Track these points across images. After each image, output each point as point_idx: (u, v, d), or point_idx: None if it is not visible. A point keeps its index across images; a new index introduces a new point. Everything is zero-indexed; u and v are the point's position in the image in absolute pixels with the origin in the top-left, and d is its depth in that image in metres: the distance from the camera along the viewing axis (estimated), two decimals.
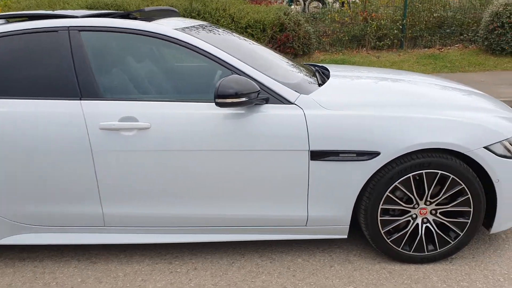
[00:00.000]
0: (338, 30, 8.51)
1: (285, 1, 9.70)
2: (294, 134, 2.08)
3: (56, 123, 2.09)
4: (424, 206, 2.20)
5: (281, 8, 7.60)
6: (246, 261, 2.38)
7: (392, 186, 2.13)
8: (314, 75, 2.71)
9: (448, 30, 8.43)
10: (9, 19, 2.36)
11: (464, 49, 8.01)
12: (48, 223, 2.28)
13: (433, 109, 2.17)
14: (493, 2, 7.54)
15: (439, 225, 2.23)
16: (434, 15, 8.46)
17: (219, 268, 2.33)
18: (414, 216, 2.22)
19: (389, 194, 2.15)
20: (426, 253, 2.26)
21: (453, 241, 2.24)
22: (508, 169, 2.12)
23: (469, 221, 2.20)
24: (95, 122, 2.09)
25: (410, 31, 8.38)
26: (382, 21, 8.25)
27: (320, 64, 3.13)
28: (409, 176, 2.11)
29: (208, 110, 2.11)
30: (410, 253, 2.26)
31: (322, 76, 2.72)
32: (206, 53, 2.13)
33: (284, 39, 7.27)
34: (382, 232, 2.22)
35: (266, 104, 2.12)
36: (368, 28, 8.22)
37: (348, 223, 2.24)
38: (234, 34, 2.85)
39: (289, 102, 2.13)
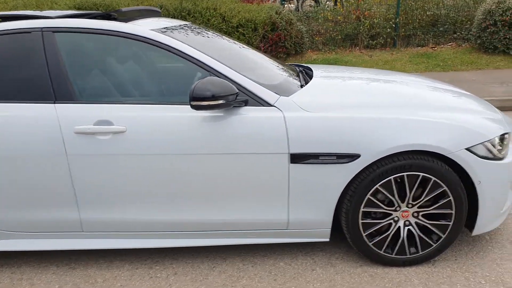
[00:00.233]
0: (331, 29, 8.48)
1: (277, 0, 9.66)
2: (273, 137, 2.05)
3: (29, 128, 2.05)
4: (406, 208, 2.17)
5: (273, 7, 7.56)
6: (227, 265, 2.35)
7: (373, 188, 2.10)
8: (298, 76, 2.68)
9: (441, 29, 8.41)
10: None
11: (457, 48, 7.99)
12: (25, 229, 2.24)
13: (416, 111, 2.14)
14: (486, 0, 7.52)
15: (421, 227, 2.21)
16: (428, 13, 8.43)
17: (199, 273, 2.29)
18: (396, 218, 2.19)
19: (370, 197, 2.12)
20: (408, 256, 2.23)
21: (435, 243, 2.21)
22: (489, 170, 2.10)
23: (451, 223, 2.17)
24: (69, 126, 2.05)
25: (403, 29, 8.35)
26: (375, 19, 8.22)
27: (305, 65, 3.10)
28: (390, 179, 2.08)
29: (185, 112, 2.07)
30: (392, 256, 2.23)
31: (306, 77, 2.68)
32: (183, 54, 2.10)
33: (276, 39, 7.23)
34: (363, 235, 2.19)
35: (245, 107, 2.09)
36: (361, 27, 8.19)
37: (330, 226, 2.21)
38: (217, 34, 2.82)
39: (269, 104, 2.09)
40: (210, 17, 6.95)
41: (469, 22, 8.15)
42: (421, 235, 2.20)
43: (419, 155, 2.07)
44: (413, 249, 2.23)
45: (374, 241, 2.21)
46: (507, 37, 6.97)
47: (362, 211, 2.14)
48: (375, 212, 2.19)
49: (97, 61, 2.14)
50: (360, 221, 2.16)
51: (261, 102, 2.09)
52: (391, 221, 2.19)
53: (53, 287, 2.23)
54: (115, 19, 2.33)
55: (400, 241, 2.21)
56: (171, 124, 2.05)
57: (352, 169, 2.06)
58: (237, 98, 2.04)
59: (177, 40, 2.13)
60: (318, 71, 2.81)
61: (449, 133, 2.06)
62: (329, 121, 2.05)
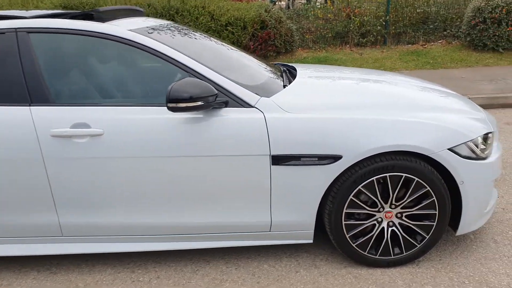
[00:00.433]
0: (321, 27, 8.46)
1: None
2: (254, 139, 2.02)
3: (4, 131, 2.00)
4: (390, 209, 2.16)
5: (262, 5, 7.51)
6: (211, 268, 2.32)
7: (356, 190, 2.08)
8: (281, 76, 2.65)
9: (431, 26, 8.43)
10: None
11: (447, 45, 8.00)
12: (4, 234, 2.20)
13: (400, 111, 2.12)
14: None
15: (405, 228, 2.19)
16: (418, 10, 8.45)
17: (182, 277, 2.26)
18: (379, 219, 2.18)
19: (353, 198, 2.10)
20: (393, 257, 2.22)
21: (419, 244, 2.20)
22: (472, 170, 2.09)
23: (435, 223, 2.16)
24: (45, 129, 2.00)
25: (393, 27, 8.35)
26: (365, 17, 8.21)
27: (290, 64, 3.07)
28: (373, 180, 2.07)
29: (164, 114, 2.03)
30: (376, 257, 2.21)
31: (289, 77, 2.65)
32: (161, 55, 2.06)
33: (266, 37, 7.19)
34: (347, 236, 2.17)
35: (225, 108, 2.06)
36: (351, 25, 8.18)
37: (313, 228, 2.19)
38: (201, 34, 2.78)
39: (249, 105, 2.06)
40: (199, 15, 6.90)
41: (459, 20, 8.17)
42: (405, 235, 2.19)
43: (401, 156, 2.05)
44: (397, 250, 2.22)
45: (358, 242, 2.19)
46: (496, 34, 6.99)
47: (345, 212, 2.13)
48: (358, 213, 2.17)
49: (73, 63, 2.10)
50: (343, 222, 2.14)
51: (242, 103, 2.06)
52: (375, 222, 2.18)
53: None
54: (96, 19, 2.28)
55: (384, 242, 2.19)
56: (149, 126, 2.02)
57: (334, 170, 2.04)
58: (217, 99, 2.01)
59: (155, 40, 2.09)
60: (302, 71, 2.78)
61: (431, 133, 2.04)
62: (310, 122, 2.02)
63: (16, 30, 2.04)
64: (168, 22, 2.77)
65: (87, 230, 2.18)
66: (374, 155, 2.04)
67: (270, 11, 7.41)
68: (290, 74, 2.76)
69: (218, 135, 2.02)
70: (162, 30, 2.38)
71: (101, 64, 2.12)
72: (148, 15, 7.06)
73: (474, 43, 7.29)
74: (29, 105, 2.03)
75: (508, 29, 6.91)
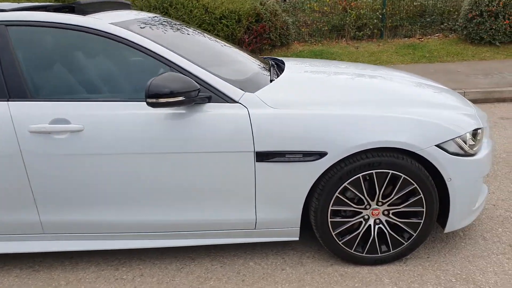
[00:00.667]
0: (318, 20, 8.37)
1: None
2: (238, 135, 1.97)
3: None
4: (376, 207, 2.12)
5: None
6: (195, 266, 2.29)
7: (342, 186, 2.04)
8: (269, 71, 2.59)
9: (428, 19, 8.35)
10: None
11: (444, 39, 7.94)
12: None
13: (388, 107, 2.07)
14: None
15: (392, 225, 2.16)
16: (415, 3, 8.36)
17: (166, 274, 2.23)
18: (366, 217, 2.14)
19: (339, 195, 2.06)
20: (380, 255, 2.19)
21: (406, 241, 2.17)
22: (460, 167, 2.05)
23: (422, 221, 2.13)
24: (24, 125, 1.96)
25: (390, 20, 8.27)
26: (361, 10, 8.12)
27: (280, 58, 3.01)
28: (359, 177, 2.03)
29: (146, 110, 1.98)
30: (363, 254, 2.18)
31: (278, 72, 2.60)
32: (142, 48, 2.00)
33: (261, 30, 7.12)
34: (333, 234, 2.14)
35: (209, 103, 2.01)
36: (348, 18, 8.10)
37: (299, 225, 2.16)
38: (188, 27, 2.72)
39: (233, 101, 2.01)
40: (193, 8, 6.81)
41: (456, 13, 8.10)
42: (392, 233, 2.16)
43: (388, 152, 2.01)
44: (384, 248, 2.19)
45: (344, 239, 2.16)
46: (493, 27, 6.93)
47: (331, 209, 2.09)
48: (344, 211, 2.13)
49: (53, 57, 2.04)
50: (329, 220, 2.11)
51: (225, 99, 2.01)
52: (361, 219, 2.14)
53: None
54: (77, 11, 2.22)
55: (370, 239, 2.16)
56: (131, 122, 1.97)
57: (319, 167, 2.00)
58: (199, 95, 1.96)
59: (136, 33, 2.03)
60: (290, 65, 2.73)
61: (419, 129, 2.00)
62: (295, 118, 1.98)
63: None
64: (154, 15, 2.70)
65: (69, 227, 2.15)
66: (360, 151, 2.00)
67: (265, 4, 7.33)
68: (278, 69, 2.71)
69: (201, 131, 1.97)
70: (146, 24, 2.32)
71: (81, 58, 2.06)
72: (141, 9, 6.97)
73: (470, 37, 7.22)
74: (7, 100, 1.98)
75: (505, 22, 6.85)
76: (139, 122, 1.97)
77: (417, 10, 8.47)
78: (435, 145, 2.00)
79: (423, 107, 2.13)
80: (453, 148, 2.05)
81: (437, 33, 8.26)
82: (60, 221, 2.12)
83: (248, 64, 2.55)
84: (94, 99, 2.01)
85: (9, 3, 2.33)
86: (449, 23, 8.13)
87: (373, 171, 2.02)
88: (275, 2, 8.14)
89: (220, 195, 2.07)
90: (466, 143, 2.08)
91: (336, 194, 2.06)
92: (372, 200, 2.10)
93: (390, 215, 2.14)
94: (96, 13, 2.27)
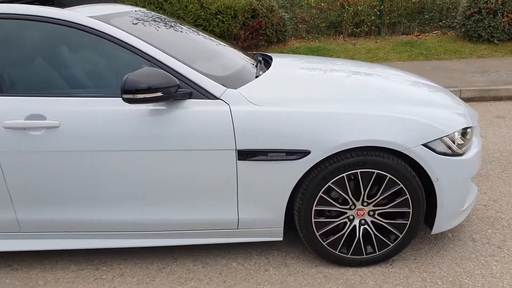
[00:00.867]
0: (316, 16, 8.29)
1: None
2: (219, 133, 1.91)
3: None
4: (361, 207, 2.07)
5: None
6: (177, 266, 2.24)
7: (326, 186, 1.99)
8: (256, 67, 2.53)
9: (427, 16, 8.26)
10: None
11: (442, 36, 7.85)
12: None
13: (375, 105, 2.02)
14: None
15: (378, 226, 2.11)
16: (413, 0, 8.27)
17: (147, 274, 2.18)
18: (351, 217, 2.09)
19: (323, 195, 2.01)
20: (365, 256, 2.13)
21: (392, 243, 2.12)
22: (448, 167, 1.99)
23: (409, 222, 2.07)
24: None
25: (388, 17, 8.19)
26: (359, 6, 8.04)
27: (269, 54, 2.95)
28: (343, 176, 1.97)
29: (124, 106, 1.93)
30: (348, 256, 2.13)
31: (264, 68, 2.54)
32: (121, 42, 1.94)
33: (257, 26, 7.04)
34: (317, 234, 2.09)
35: (189, 99, 1.95)
36: (345, 14, 8.01)
37: (282, 225, 2.10)
38: (174, 21, 2.65)
39: (214, 97, 1.96)
40: (188, 3, 6.73)
41: (455, 10, 8.00)
42: (378, 234, 2.10)
43: (373, 152, 1.96)
44: (370, 249, 2.13)
45: (329, 240, 2.11)
46: (492, 25, 6.85)
47: (315, 209, 2.04)
48: (329, 211, 2.08)
49: (29, 51, 1.98)
50: (313, 220, 2.06)
51: (206, 95, 1.96)
52: (346, 219, 2.09)
53: None
54: (57, 4, 2.16)
55: (355, 240, 2.11)
56: (109, 118, 1.91)
57: (302, 166, 1.94)
58: (180, 90, 1.90)
59: (115, 27, 1.97)
60: (278, 61, 2.66)
61: (405, 128, 1.94)
62: (278, 116, 1.92)
63: None
64: (139, 9, 2.64)
65: (47, 226, 2.09)
66: (344, 150, 1.94)
67: None
68: (266, 65, 2.65)
69: (181, 128, 1.91)
70: (128, 17, 2.26)
71: (59, 52, 2.00)
72: (136, 3, 6.89)
73: (469, 34, 7.14)
74: None
75: (504, 19, 6.76)
76: (117, 119, 1.91)
77: (416, 7, 8.37)
78: (422, 144, 1.95)
79: (410, 105, 2.07)
80: (440, 147, 1.99)
81: (435, 30, 8.17)
82: (37, 220, 2.07)
83: (235, 59, 2.49)
84: (72, 95, 1.96)
85: None
86: (448, 20, 8.05)
87: (358, 171, 1.97)
88: None
89: (201, 194, 2.02)
90: (454, 143, 2.02)
91: (320, 194, 2.00)
92: (357, 200, 2.05)
93: (376, 216, 2.08)
94: (78, 6, 2.21)
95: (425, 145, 1.95)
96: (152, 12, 2.71)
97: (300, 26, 8.24)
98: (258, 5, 7.06)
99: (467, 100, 5.02)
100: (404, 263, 2.18)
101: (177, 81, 1.87)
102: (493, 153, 3.44)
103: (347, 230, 2.10)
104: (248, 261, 2.26)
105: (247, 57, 2.72)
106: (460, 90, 5.05)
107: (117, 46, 1.96)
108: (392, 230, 2.10)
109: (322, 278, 2.09)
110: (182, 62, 1.98)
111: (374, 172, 1.97)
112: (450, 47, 7.11)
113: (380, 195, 2.03)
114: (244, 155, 1.94)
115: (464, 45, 7.12)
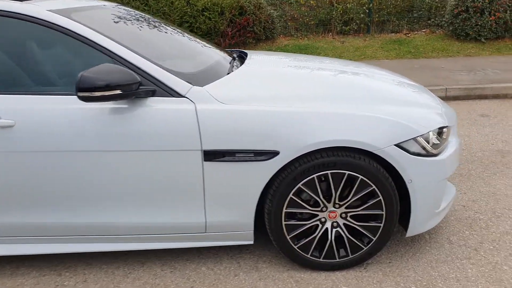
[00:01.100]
0: (305, 14, 8.22)
1: None
2: (183, 132, 1.83)
3: None
4: (333, 209, 2.00)
5: None
6: (144, 271, 2.15)
7: (296, 187, 1.91)
8: (230, 63, 2.45)
9: (415, 15, 8.23)
10: None
11: (430, 34, 7.83)
12: None
13: (347, 104, 1.94)
14: None
15: (351, 229, 2.04)
16: None
17: (111, 280, 2.09)
18: (322, 220, 2.02)
19: (293, 197, 1.93)
20: (338, 260, 2.06)
21: (366, 246, 2.05)
22: (422, 168, 1.93)
23: (382, 225, 2.00)
24: None
25: (377, 15, 8.14)
26: (348, 4, 7.98)
27: (245, 51, 2.87)
28: (314, 177, 1.90)
29: (83, 104, 1.83)
30: (320, 260, 2.06)
31: (239, 65, 2.46)
32: (80, 37, 1.85)
33: (244, 23, 6.95)
34: (288, 237, 2.01)
35: (152, 97, 1.86)
36: (334, 12, 7.95)
37: (252, 228, 2.03)
38: (145, 17, 2.56)
39: (179, 95, 1.87)
40: (174, 0, 6.61)
41: (443, 8, 7.98)
42: (350, 237, 2.03)
43: (344, 152, 1.88)
44: (342, 252, 2.06)
45: (300, 244, 2.03)
46: (479, 23, 6.82)
47: (285, 212, 1.96)
48: (300, 213, 2.00)
49: None
50: (284, 223, 1.98)
51: (171, 93, 1.87)
52: (317, 222, 2.02)
53: None
54: None
55: (328, 244, 2.04)
56: (67, 117, 1.82)
57: (271, 167, 1.86)
58: (141, 88, 1.81)
59: (74, 21, 1.88)
60: (253, 58, 2.58)
61: (376, 128, 1.87)
62: (245, 115, 1.84)
63: None
64: (109, 3, 2.54)
65: (4, 230, 1.99)
66: (314, 151, 1.86)
67: None
68: (241, 62, 2.56)
69: (143, 127, 1.82)
70: (93, 12, 2.16)
71: (15, 47, 1.90)
72: (121, 0, 6.75)
73: (456, 33, 7.11)
74: None
75: (491, 18, 6.74)
76: (75, 118, 1.82)
77: (405, 5, 8.34)
78: (395, 145, 1.88)
79: (384, 104, 2.00)
80: (414, 148, 1.92)
81: (424, 29, 8.15)
82: None
83: (206, 56, 2.41)
84: (28, 93, 1.86)
85: None
86: (436, 19, 8.02)
87: (329, 172, 1.89)
88: None
89: (166, 197, 1.93)
90: (429, 143, 1.96)
91: (290, 195, 1.93)
92: (329, 202, 1.97)
93: (348, 218, 2.01)
94: (39, 1, 2.11)
95: (397, 145, 1.89)
96: (124, 7, 2.61)
97: (289, 23, 8.17)
98: (245, 2, 6.97)
99: (452, 98, 4.98)
100: (379, 267, 2.11)
101: (138, 78, 1.78)
102: (475, 152, 3.39)
103: (318, 233, 2.03)
104: (218, 265, 2.18)
105: (224, 54, 2.64)
106: (446, 88, 5.01)
107: (76, 42, 1.86)
108: (365, 233, 2.03)
109: (294, 283, 2.02)
110: (144, 58, 1.89)
111: (345, 173, 1.90)
112: (438, 45, 7.08)
113: (352, 197, 1.96)
114: (211, 155, 1.86)
115: (452, 44, 7.10)
